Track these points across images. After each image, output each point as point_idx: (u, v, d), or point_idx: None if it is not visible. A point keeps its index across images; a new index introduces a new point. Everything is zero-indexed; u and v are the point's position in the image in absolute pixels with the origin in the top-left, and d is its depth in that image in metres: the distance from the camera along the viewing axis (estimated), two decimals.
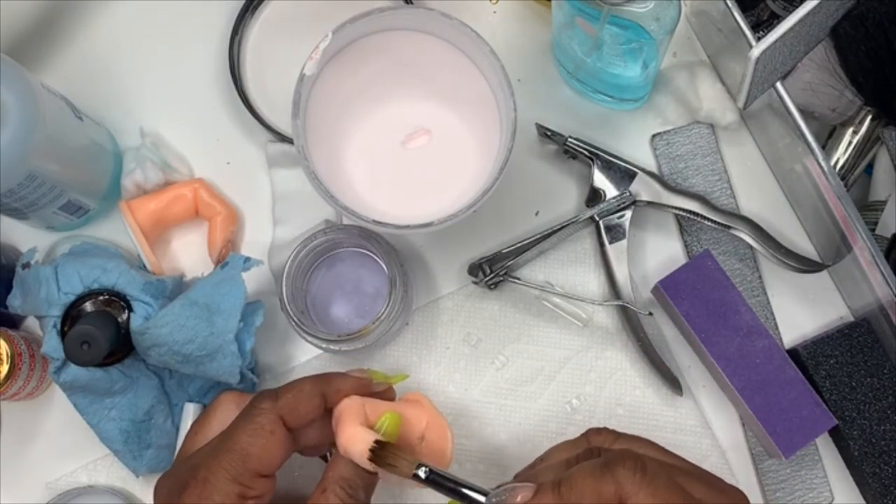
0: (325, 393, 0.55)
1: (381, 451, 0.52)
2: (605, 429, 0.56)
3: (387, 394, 0.58)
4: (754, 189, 0.71)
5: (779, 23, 0.59)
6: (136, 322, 0.62)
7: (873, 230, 0.67)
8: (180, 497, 0.52)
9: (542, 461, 0.57)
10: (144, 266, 0.68)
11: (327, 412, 0.55)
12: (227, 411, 0.57)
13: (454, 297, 0.70)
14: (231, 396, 0.59)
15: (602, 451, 0.54)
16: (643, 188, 0.68)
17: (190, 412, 0.66)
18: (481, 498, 0.51)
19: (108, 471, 0.69)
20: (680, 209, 0.68)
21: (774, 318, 0.70)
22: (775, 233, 0.69)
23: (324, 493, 0.52)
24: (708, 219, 0.68)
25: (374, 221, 0.60)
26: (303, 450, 0.57)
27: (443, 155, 0.64)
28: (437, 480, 0.51)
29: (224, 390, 0.59)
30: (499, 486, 0.51)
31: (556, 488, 0.49)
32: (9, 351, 0.64)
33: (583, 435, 0.57)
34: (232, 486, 0.51)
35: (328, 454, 0.62)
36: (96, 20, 0.74)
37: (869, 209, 0.68)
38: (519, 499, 0.50)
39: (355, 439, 0.53)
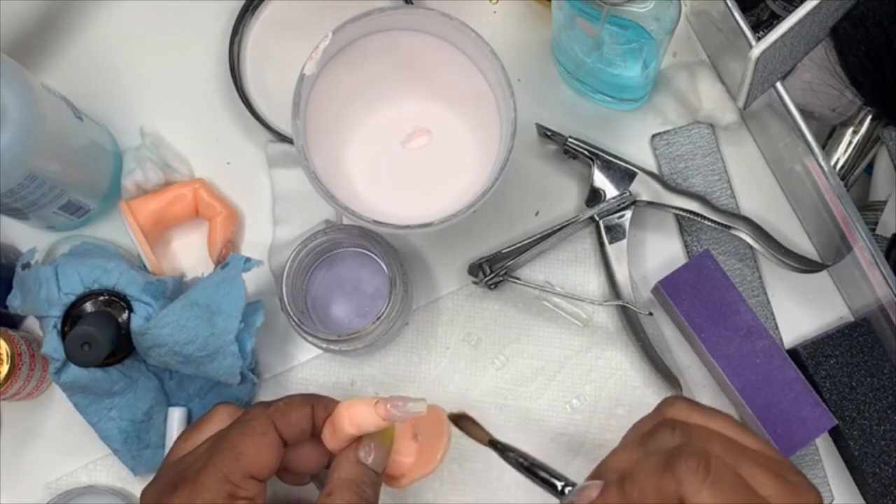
0: (314, 406, 0.55)
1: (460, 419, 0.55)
2: (681, 398, 0.54)
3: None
4: (754, 189, 0.71)
5: (779, 23, 0.59)
6: (136, 322, 0.62)
7: (873, 230, 0.67)
8: (170, 498, 0.51)
9: (623, 440, 0.55)
10: (144, 266, 0.68)
11: (314, 436, 0.56)
12: (220, 422, 0.57)
13: (454, 297, 0.70)
14: (226, 409, 0.58)
15: (678, 424, 0.52)
16: (643, 188, 0.68)
17: (175, 416, 0.66)
18: (557, 484, 0.52)
19: (108, 471, 0.69)
20: (680, 209, 0.68)
21: (774, 318, 0.70)
22: (775, 233, 0.69)
23: (330, 495, 0.53)
24: (708, 219, 0.68)
25: (374, 221, 0.60)
26: (284, 474, 0.57)
27: (443, 155, 0.64)
28: (510, 454, 0.54)
29: (220, 402, 0.59)
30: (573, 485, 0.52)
31: (620, 485, 0.49)
32: (9, 351, 0.64)
33: (658, 406, 0.55)
34: (222, 484, 0.51)
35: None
36: (96, 20, 0.74)
37: (869, 209, 0.68)
38: (585, 499, 0.50)
39: (356, 403, 0.54)
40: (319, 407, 0.56)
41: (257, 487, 0.53)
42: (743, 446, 0.50)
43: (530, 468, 0.53)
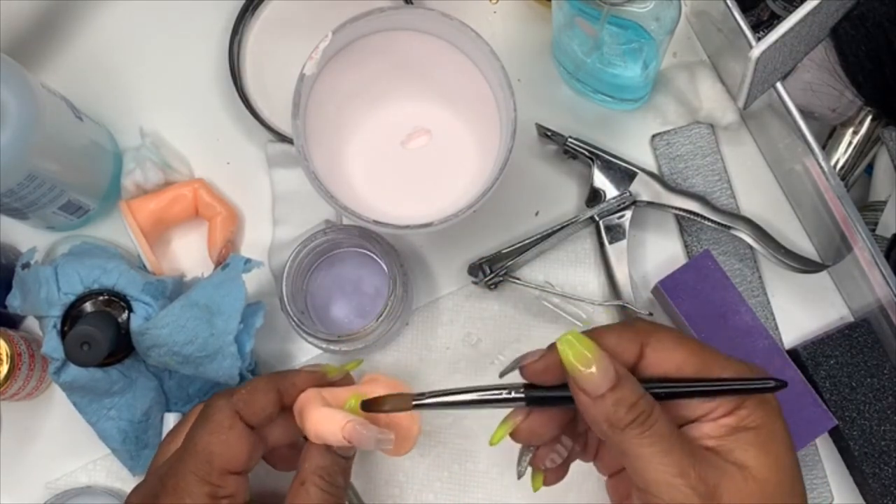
0: (281, 388, 0.55)
1: (373, 404, 0.52)
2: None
3: (345, 381, 0.59)
4: (754, 189, 0.71)
5: (779, 23, 0.59)
6: (136, 322, 0.62)
7: (873, 230, 0.67)
8: None
9: None
10: (144, 266, 0.68)
11: (287, 410, 0.55)
12: None
13: (454, 297, 0.70)
14: None
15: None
16: (643, 188, 0.68)
17: (170, 422, 0.65)
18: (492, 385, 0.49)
19: (108, 471, 0.69)
20: (680, 209, 0.68)
21: (774, 318, 0.70)
22: (775, 233, 0.69)
23: (303, 485, 0.52)
24: (708, 219, 0.68)
25: (374, 221, 0.60)
26: (275, 459, 0.57)
27: (443, 155, 0.64)
28: (440, 400, 0.50)
29: (200, 403, 0.59)
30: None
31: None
32: (9, 351, 0.64)
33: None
34: (201, 486, 0.51)
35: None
36: (96, 20, 0.74)
37: (869, 209, 0.68)
38: (529, 359, 0.49)
39: (324, 420, 0.53)
40: (286, 384, 0.55)
41: (237, 482, 0.52)
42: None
43: (473, 401, 0.50)
